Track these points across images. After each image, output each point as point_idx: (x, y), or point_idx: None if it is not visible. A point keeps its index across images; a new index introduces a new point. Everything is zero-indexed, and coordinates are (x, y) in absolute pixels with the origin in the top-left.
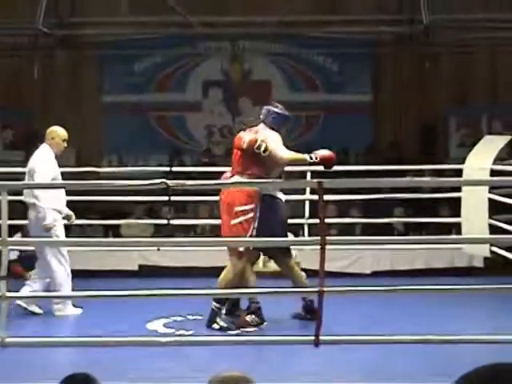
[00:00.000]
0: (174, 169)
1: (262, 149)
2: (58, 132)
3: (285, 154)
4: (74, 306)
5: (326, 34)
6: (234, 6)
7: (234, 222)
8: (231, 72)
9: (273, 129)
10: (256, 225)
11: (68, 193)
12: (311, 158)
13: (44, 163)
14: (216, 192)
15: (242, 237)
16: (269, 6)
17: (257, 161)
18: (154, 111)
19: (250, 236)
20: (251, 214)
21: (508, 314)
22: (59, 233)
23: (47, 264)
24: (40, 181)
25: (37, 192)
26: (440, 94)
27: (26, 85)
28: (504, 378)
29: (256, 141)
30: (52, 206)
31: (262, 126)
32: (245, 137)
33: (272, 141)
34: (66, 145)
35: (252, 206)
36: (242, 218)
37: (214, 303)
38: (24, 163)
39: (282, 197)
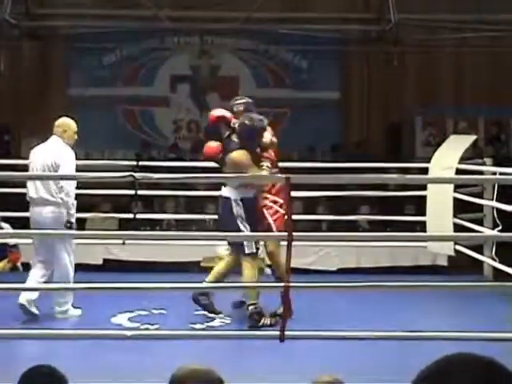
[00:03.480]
0: (141, 163)
1: None
2: (71, 124)
3: None
4: (73, 306)
5: (294, 31)
6: (202, 1)
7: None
8: (199, 67)
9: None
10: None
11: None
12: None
13: (70, 160)
14: (181, 187)
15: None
16: (238, 1)
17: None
18: (122, 105)
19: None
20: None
21: (470, 311)
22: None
23: (57, 261)
24: (71, 171)
25: (66, 187)
26: (407, 93)
27: None
28: (458, 370)
29: None
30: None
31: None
32: None
33: None
34: (76, 137)
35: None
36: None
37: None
38: None
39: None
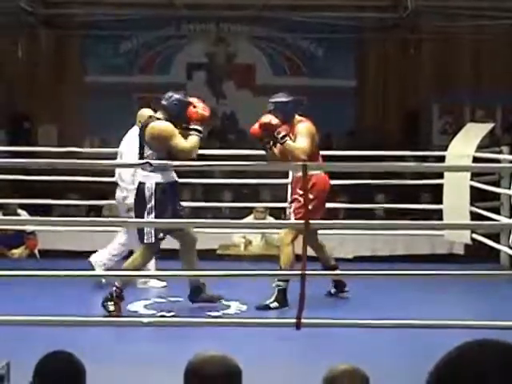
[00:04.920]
0: None
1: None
2: (143, 114)
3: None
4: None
5: (310, 18)
6: None
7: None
8: (216, 55)
9: None
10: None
11: (49, 172)
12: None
13: (132, 146)
14: (198, 174)
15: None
16: None
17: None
18: (138, 93)
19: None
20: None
21: (486, 300)
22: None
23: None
24: (129, 159)
25: (122, 174)
26: (423, 80)
27: (8, 64)
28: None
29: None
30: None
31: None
32: None
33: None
34: None
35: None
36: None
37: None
38: (4, 142)
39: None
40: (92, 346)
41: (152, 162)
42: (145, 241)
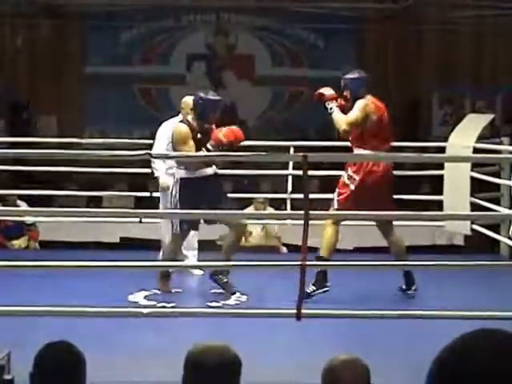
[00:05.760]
0: None
1: None
2: (187, 102)
3: None
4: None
5: (310, 9)
6: None
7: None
8: (215, 45)
9: None
10: None
11: (48, 163)
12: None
13: (162, 132)
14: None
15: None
16: None
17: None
18: (138, 83)
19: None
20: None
21: (486, 291)
22: (168, 199)
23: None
24: (156, 148)
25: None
26: (423, 72)
27: (8, 53)
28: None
29: None
30: (164, 169)
31: None
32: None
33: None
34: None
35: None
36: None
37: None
38: (3, 132)
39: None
40: (92, 337)
41: (151, 152)
42: (173, 231)
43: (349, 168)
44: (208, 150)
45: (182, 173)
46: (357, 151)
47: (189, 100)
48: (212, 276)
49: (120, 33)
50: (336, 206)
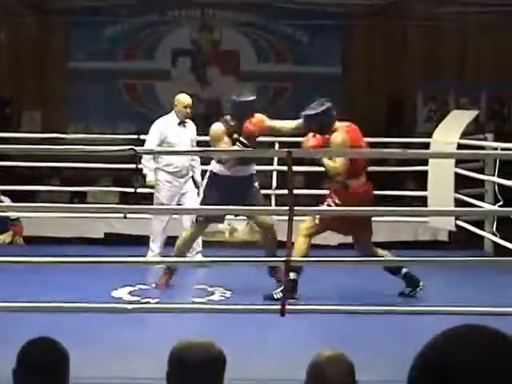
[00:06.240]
0: (142, 137)
1: None
2: (180, 99)
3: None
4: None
5: (295, 5)
6: None
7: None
8: (200, 41)
9: None
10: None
11: (32, 158)
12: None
13: (155, 128)
14: None
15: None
16: None
17: None
18: (123, 79)
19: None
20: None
21: (469, 286)
22: (161, 195)
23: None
24: (146, 145)
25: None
26: (409, 68)
27: None
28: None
29: None
30: (153, 167)
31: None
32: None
33: None
34: (188, 111)
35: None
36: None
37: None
38: None
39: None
40: (76, 332)
41: (135, 148)
42: (194, 219)
43: (331, 197)
44: (243, 145)
45: (216, 167)
46: (347, 182)
47: (181, 97)
48: (271, 273)
49: (104, 28)
50: (315, 221)
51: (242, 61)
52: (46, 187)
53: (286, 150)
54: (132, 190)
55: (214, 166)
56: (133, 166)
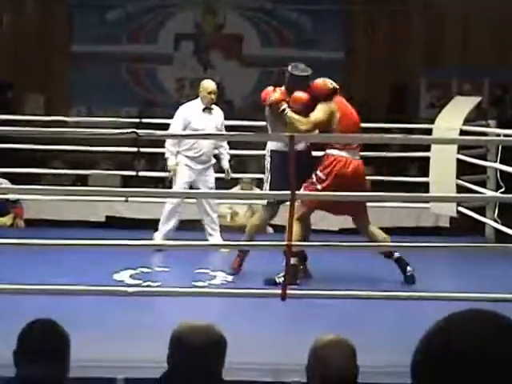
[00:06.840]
0: (144, 120)
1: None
2: (204, 85)
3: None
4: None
5: None
6: None
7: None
8: (203, 25)
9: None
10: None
11: (34, 141)
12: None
13: (178, 113)
14: None
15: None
16: None
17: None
18: (125, 62)
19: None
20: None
21: (470, 273)
22: (178, 179)
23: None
24: (171, 129)
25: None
26: (411, 53)
27: None
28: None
29: None
30: (174, 151)
31: None
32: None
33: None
34: (213, 97)
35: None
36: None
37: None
38: None
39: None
40: (76, 315)
41: (138, 131)
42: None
43: (318, 168)
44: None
45: (273, 144)
46: (329, 151)
47: (206, 83)
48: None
49: (107, 11)
50: (299, 203)
51: (245, 45)
52: (48, 170)
53: (288, 134)
54: (134, 173)
55: (271, 143)
56: (134, 149)
